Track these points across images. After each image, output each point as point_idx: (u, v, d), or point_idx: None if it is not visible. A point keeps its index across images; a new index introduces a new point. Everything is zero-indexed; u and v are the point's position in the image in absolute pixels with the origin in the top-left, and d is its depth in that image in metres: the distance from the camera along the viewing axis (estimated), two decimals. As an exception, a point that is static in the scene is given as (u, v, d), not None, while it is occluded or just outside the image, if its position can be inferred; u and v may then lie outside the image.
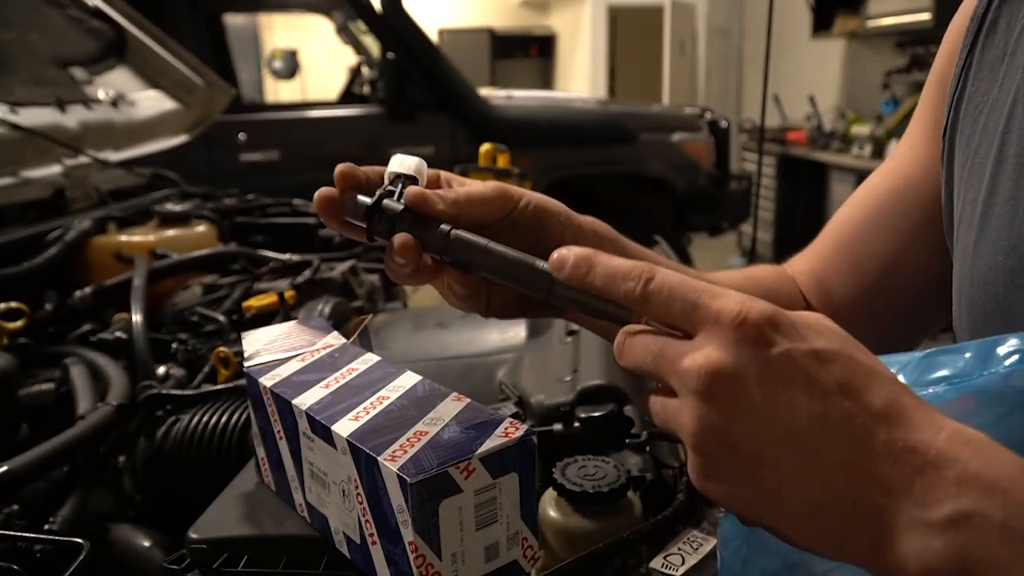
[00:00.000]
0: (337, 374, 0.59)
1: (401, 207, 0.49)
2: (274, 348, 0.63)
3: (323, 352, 0.63)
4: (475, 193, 0.49)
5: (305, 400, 0.54)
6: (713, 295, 0.36)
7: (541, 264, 0.45)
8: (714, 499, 0.36)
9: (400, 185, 0.50)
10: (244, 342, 0.65)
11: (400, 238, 0.48)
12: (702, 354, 0.34)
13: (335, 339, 0.66)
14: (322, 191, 0.50)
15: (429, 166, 0.52)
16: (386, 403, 0.54)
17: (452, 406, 0.53)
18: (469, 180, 0.53)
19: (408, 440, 0.48)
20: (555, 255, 0.41)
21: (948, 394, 0.38)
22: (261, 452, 0.61)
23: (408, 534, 0.46)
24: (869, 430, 0.33)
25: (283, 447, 0.58)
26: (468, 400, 0.54)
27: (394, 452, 0.47)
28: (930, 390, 0.39)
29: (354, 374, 0.59)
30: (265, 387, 0.58)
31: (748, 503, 0.35)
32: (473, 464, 0.47)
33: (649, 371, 0.38)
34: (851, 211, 0.66)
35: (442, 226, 0.48)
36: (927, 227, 0.61)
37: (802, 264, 0.69)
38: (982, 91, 0.53)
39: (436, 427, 0.50)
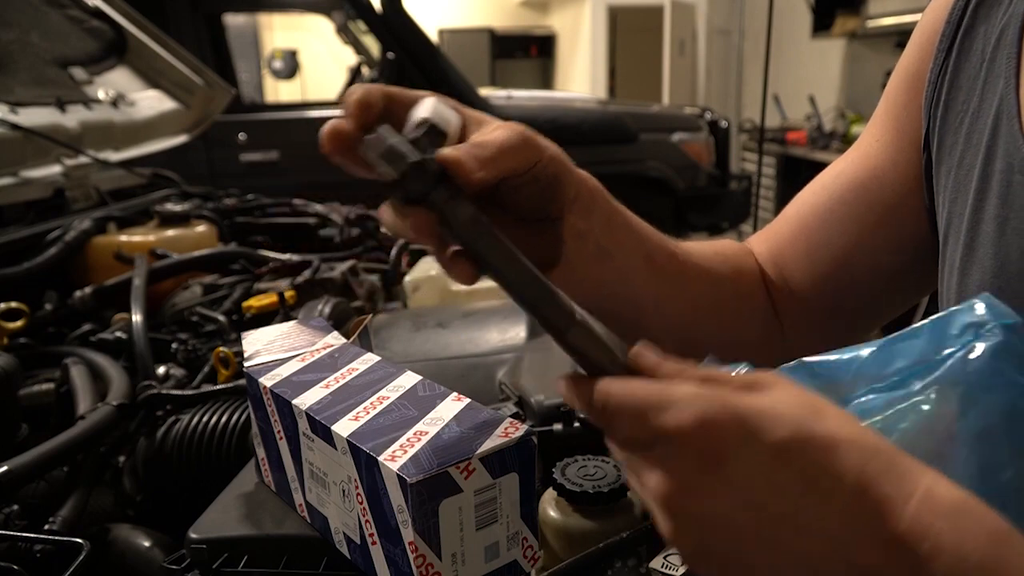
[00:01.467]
0: (337, 374, 0.58)
1: (437, 169, 0.40)
2: (274, 348, 0.63)
3: (323, 352, 0.63)
4: (505, 146, 0.43)
5: (305, 400, 0.54)
6: (659, 407, 0.34)
7: (565, 300, 0.40)
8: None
9: (429, 137, 0.41)
10: (244, 342, 0.65)
11: (418, 220, 0.40)
12: (655, 478, 0.34)
13: (335, 339, 0.65)
14: (336, 125, 0.42)
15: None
16: (386, 403, 0.53)
17: (452, 406, 0.53)
18: (485, 118, 0.47)
19: (408, 440, 0.48)
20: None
21: (915, 394, 0.38)
22: (261, 452, 0.61)
23: (408, 534, 0.46)
24: (835, 519, 0.32)
25: (283, 447, 0.57)
26: (468, 400, 0.54)
27: (394, 452, 0.47)
28: (897, 392, 0.38)
29: (354, 374, 0.58)
30: (265, 387, 0.57)
31: None
32: (473, 464, 0.47)
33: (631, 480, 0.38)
34: (813, 198, 0.65)
35: (479, 218, 0.41)
36: (888, 220, 0.60)
37: (759, 244, 0.68)
38: (961, 99, 0.52)
39: (436, 427, 0.50)
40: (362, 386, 0.56)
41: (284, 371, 0.60)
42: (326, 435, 0.51)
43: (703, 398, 0.34)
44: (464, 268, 0.42)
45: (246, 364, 0.61)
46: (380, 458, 0.46)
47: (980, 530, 0.32)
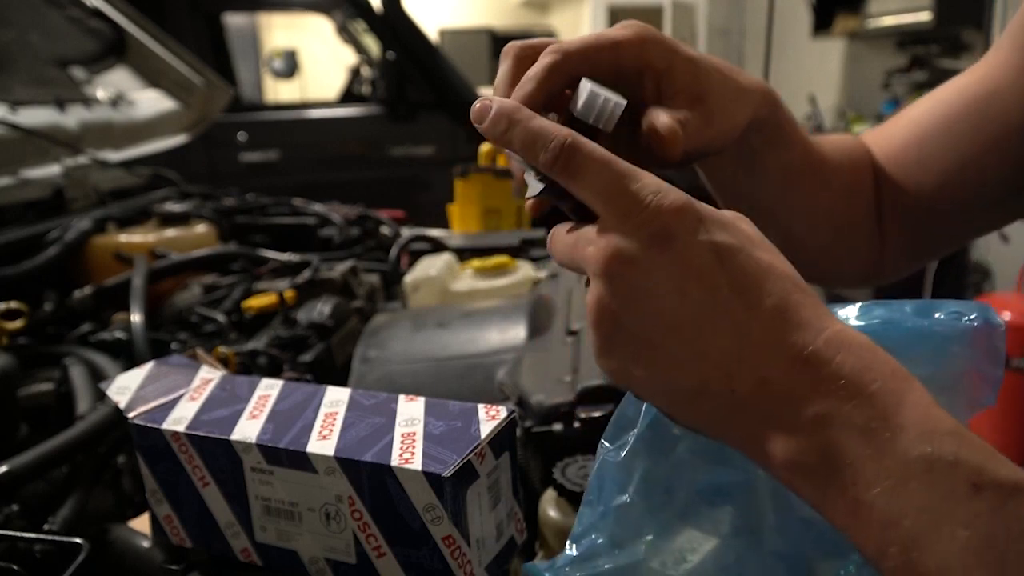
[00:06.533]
0: (252, 403, 0.55)
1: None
2: (149, 394, 0.58)
3: (210, 386, 0.59)
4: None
5: (246, 433, 0.51)
6: (632, 178, 0.36)
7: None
8: (610, 375, 0.39)
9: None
10: (110, 392, 0.59)
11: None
12: (604, 240, 0.36)
13: (209, 372, 0.62)
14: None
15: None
16: (341, 418, 0.52)
17: (413, 406, 0.53)
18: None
19: (403, 443, 0.48)
20: (476, 104, 0.40)
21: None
22: (165, 510, 0.56)
23: (442, 530, 0.46)
24: (752, 326, 0.35)
25: (210, 494, 0.53)
26: (421, 398, 0.54)
27: (402, 455, 0.47)
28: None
29: (272, 399, 0.55)
30: (176, 433, 0.53)
31: (637, 382, 0.38)
32: (484, 449, 0.47)
33: (569, 262, 0.40)
34: (931, 109, 0.65)
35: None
36: (1002, 141, 0.60)
37: (871, 143, 0.68)
38: None
39: (418, 426, 0.50)
40: (293, 409, 0.54)
41: (184, 413, 0.55)
42: (298, 461, 0.49)
43: (668, 186, 0.36)
44: None
45: (130, 415, 0.55)
46: (392, 464, 0.46)
47: (883, 367, 0.34)
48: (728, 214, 0.38)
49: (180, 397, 0.57)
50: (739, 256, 0.35)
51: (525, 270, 1.18)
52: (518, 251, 1.33)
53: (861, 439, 0.32)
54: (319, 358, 0.97)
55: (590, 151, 0.37)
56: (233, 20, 4.83)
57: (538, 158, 0.38)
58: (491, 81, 0.42)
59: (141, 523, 0.62)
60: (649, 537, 0.42)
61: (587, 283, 0.39)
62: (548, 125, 0.38)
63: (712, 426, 0.37)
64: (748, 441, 0.36)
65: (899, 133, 0.66)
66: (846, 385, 0.33)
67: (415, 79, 3.50)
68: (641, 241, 0.35)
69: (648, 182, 0.36)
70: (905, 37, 4.52)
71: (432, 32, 7.34)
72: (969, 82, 0.63)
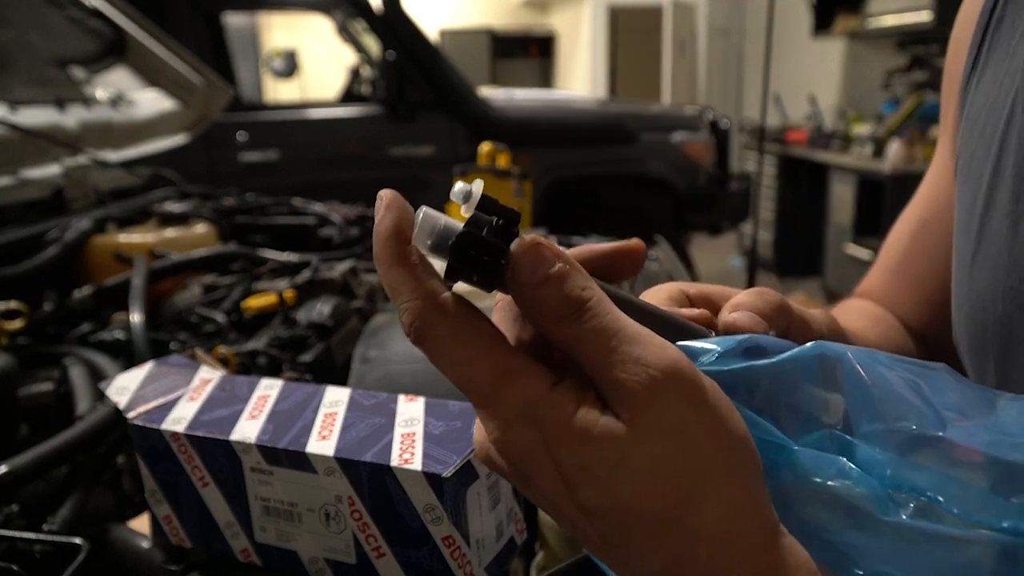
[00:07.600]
0: (252, 404, 0.55)
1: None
2: (149, 394, 0.58)
3: (209, 387, 0.59)
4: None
5: (246, 433, 0.51)
6: (486, 402, 0.30)
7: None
8: None
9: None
10: (109, 392, 0.59)
11: None
12: (477, 435, 0.33)
13: (208, 372, 0.62)
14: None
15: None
16: (340, 419, 0.52)
17: (412, 406, 0.53)
18: None
19: (403, 444, 0.48)
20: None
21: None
22: (164, 510, 0.56)
23: (442, 530, 0.46)
24: None
25: (209, 494, 0.53)
26: (421, 398, 0.54)
27: (402, 456, 0.47)
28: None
29: (272, 400, 0.55)
30: (176, 434, 0.53)
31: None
32: None
33: None
34: (898, 238, 0.65)
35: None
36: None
37: (874, 298, 0.67)
38: (983, 93, 0.51)
39: (418, 427, 0.50)
40: (294, 409, 0.54)
41: (184, 413, 0.55)
42: (298, 461, 0.49)
43: (526, 420, 0.29)
44: None
45: (130, 416, 0.55)
46: (392, 464, 0.46)
47: None
48: (645, 401, 0.28)
49: (180, 397, 0.57)
50: (609, 516, 0.29)
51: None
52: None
53: None
54: (319, 358, 0.97)
55: (436, 337, 0.30)
56: (233, 20, 4.84)
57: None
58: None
59: (141, 523, 0.62)
60: None
61: None
62: (405, 282, 0.30)
63: None
64: None
65: (884, 274, 0.66)
66: None
67: (415, 79, 3.50)
68: (505, 460, 0.31)
69: (509, 403, 0.29)
70: (905, 37, 4.52)
71: (432, 32, 7.34)
72: (917, 199, 0.63)
